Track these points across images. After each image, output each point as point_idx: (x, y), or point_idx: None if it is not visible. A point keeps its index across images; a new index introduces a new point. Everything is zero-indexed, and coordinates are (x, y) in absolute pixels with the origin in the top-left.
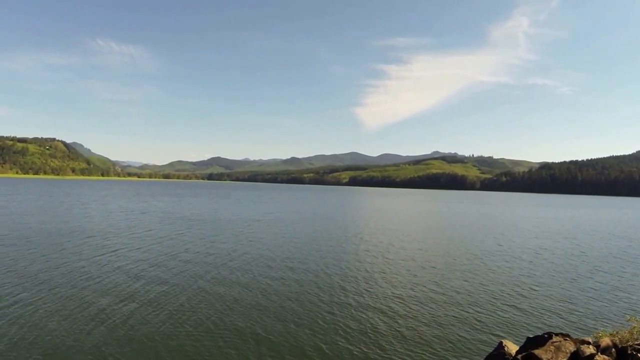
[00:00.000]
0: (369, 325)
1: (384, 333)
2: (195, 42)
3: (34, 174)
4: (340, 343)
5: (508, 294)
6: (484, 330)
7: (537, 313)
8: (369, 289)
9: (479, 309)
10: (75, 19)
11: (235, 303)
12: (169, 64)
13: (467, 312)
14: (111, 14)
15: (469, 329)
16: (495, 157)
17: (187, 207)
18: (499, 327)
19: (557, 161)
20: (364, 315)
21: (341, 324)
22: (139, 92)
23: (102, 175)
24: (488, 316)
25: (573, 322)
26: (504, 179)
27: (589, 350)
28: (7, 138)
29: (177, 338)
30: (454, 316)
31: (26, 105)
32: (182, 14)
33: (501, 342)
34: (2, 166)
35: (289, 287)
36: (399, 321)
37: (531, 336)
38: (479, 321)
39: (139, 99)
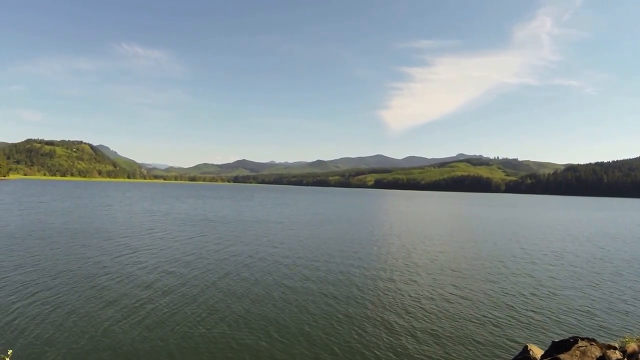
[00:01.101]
0: (384, 332)
1: (401, 342)
2: (220, 45)
3: (61, 176)
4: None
5: (530, 299)
6: (507, 334)
7: (560, 317)
8: (384, 295)
9: (500, 314)
10: (100, 23)
11: (247, 305)
12: (194, 67)
13: (489, 316)
14: (135, 19)
15: (491, 334)
16: (520, 159)
17: (209, 209)
18: (521, 331)
19: (582, 163)
20: (377, 323)
21: (355, 332)
22: (165, 96)
23: (128, 177)
24: (510, 320)
25: (597, 327)
26: (528, 181)
27: (616, 355)
28: (35, 141)
29: (190, 340)
30: (475, 321)
31: (53, 109)
32: (206, 18)
33: (526, 346)
34: (30, 168)
35: (300, 292)
36: (419, 327)
37: (556, 340)
38: (501, 326)
39: (164, 102)
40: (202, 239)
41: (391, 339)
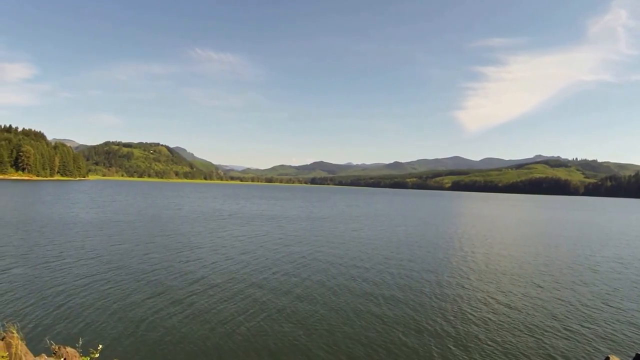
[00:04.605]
0: (455, 334)
1: (472, 344)
2: (294, 49)
3: (138, 177)
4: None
5: (605, 308)
6: (585, 345)
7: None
8: (446, 302)
9: (575, 323)
10: (173, 30)
11: (294, 305)
12: (269, 71)
13: (563, 325)
14: (208, 25)
15: (568, 344)
16: (599, 160)
17: (279, 210)
18: (598, 342)
19: None
20: (432, 331)
21: (406, 339)
22: (240, 99)
23: (205, 178)
24: (587, 330)
25: None
26: (608, 183)
27: None
28: (113, 143)
29: (231, 337)
30: (549, 330)
31: (131, 112)
32: (279, 23)
33: (608, 358)
34: (108, 169)
35: (350, 294)
36: (491, 331)
37: None
38: (576, 335)
39: (240, 104)
40: (264, 238)
41: (468, 339)
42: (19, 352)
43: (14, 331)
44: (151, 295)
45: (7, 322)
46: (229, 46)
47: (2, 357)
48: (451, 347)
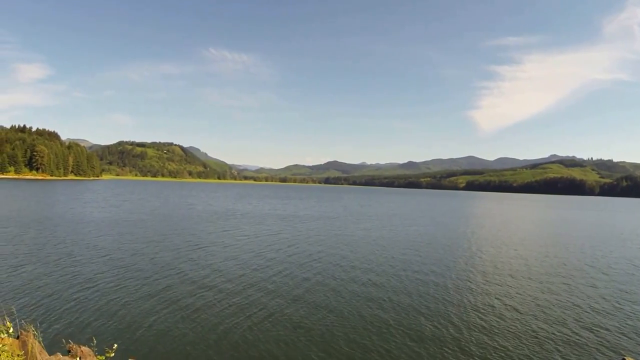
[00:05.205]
0: (461, 339)
1: (478, 351)
2: (308, 49)
3: (152, 177)
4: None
5: (618, 311)
6: (594, 348)
7: None
8: (460, 299)
9: (585, 326)
10: (187, 30)
11: (294, 305)
12: (282, 70)
13: (573, 329)
14: (223, 25)
15: (576, 349)
16: (615, 160)
17: (290, 210)
18: (607, 346)
19: None
20: (452, 329)
21: (409, 345)
22: (254, 98)
23: (219, 178)
24: (597, 334)
25: None
26: (624, 183)
27: None
28: (127, 143)
29: (230, 335)
30: (557, 333)
31: (144, 112)
32: (292, 23)
33: (624, 359)
34: (122, 169)
35: (352, 297)
36: (498, 337)
37: None
38: (586, 339)
39: (254, 104)
40: (273, 238)
41: (485, 344)
42: (35, 350)
43: (30, 330)
44: (163, 294)
45: (22, 321)
46: (242, 46)
47: (18, 355)
48: (456, 351)
